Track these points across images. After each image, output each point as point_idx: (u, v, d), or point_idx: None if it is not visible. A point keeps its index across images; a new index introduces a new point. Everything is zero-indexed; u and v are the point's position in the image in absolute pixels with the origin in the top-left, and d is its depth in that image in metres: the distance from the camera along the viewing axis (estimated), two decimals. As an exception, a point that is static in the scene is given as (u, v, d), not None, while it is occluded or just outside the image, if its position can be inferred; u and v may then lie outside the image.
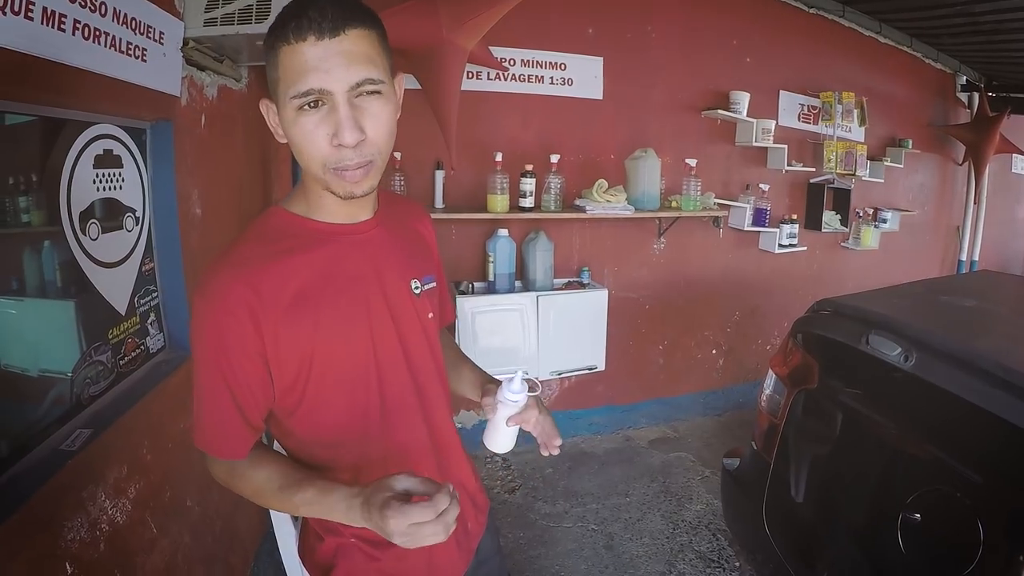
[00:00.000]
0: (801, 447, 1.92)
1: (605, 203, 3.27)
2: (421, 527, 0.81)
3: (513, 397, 1.06)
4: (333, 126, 0.84)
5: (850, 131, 4.33)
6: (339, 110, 0.84)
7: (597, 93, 3.55)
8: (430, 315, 1.12)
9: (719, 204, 3.80)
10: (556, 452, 1.15)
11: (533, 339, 3.24)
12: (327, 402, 0.98)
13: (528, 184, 3.17)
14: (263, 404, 0.96)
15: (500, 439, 1.12)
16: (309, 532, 1.11)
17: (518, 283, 3.42)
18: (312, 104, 0.84)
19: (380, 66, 0.87)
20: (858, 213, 4.61)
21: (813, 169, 4.22)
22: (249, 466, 0.97)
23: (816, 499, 1.85)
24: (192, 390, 0.95)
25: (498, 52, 3.23)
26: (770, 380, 2.09)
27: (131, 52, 1.45)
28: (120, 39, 1.39)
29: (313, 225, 0.99)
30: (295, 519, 1.22)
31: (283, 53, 0.83)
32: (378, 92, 0.87)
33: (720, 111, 3.74)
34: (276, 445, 1.12)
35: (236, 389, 0.92)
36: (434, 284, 1.15)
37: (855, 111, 4.23)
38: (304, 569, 1.13)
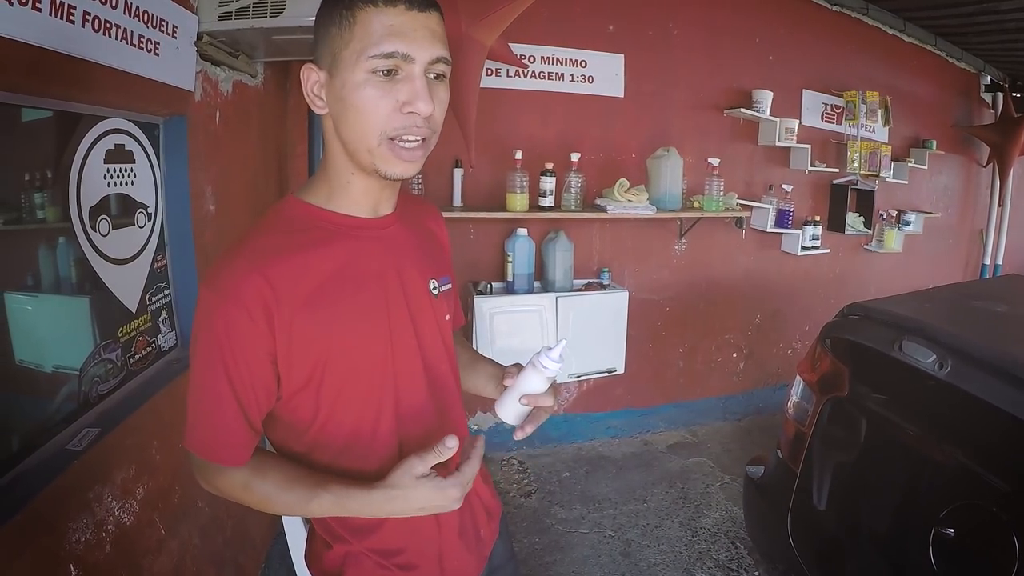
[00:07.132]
0: (829, 456, 1.86)
1: (626, 203, 3.22)
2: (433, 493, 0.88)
3: (551, 364, 1.03)
4: (407, 95, 0.85)
5: (874, 131, 4.24)
6: (417, 80, 0.85)
7: (618, 91, 3.50)
8: (447, 317, 1.09)
9: (741, 205, 3.74)
10: (522, 437, 1.12)
11: (552, 341, 3.18)
12: (341, 404, 0.93)
13: (548, 183, 3.13)
14: (265, 406, 0.91)
15: (514, 408, 1.06)
16: (316, 539, 1.07)
17: (537, 284, 3.37)
18: (386, 72, 0.84)
19: (448, 55, 0.90)
20: (881, 215, 4.50)
21: (836, 170, 4.13)
22: (252, 473, 0.91)
23: (843, 510, 1.79)
24: (188, 388, 0.89)
25: (518, 49, 3.19)
26: (797, 387, 2.03)
27: (143, 46, 1.42)
28: (131, 32, 1.37)
29: (332, 217, 0.95)
30: (306, 521, 1.19)
31: (365, 14, 0.83)
32: (444, 77, 0.91)
33: (743, 110, 3.67)
34: (268, 445, 1.05)
35: (241, 390, 0.86)
36: (450, 286, 1.12)
37: (879, 111, 4.14)
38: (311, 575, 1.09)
